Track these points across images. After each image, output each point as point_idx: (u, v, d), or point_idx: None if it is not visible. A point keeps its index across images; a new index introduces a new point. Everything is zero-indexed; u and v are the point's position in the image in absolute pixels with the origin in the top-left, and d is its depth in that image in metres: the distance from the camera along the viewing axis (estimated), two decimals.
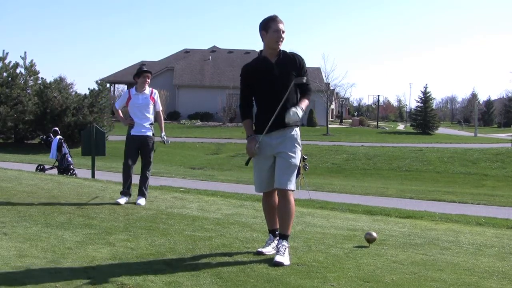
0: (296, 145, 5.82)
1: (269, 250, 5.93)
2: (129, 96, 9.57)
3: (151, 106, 9.57)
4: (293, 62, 5.81)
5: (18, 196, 9.51)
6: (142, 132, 9.43)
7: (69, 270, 5.08)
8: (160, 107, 9.78)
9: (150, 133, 9.49)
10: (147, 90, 9.56)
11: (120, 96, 10.09)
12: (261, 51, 5.89)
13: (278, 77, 5.70)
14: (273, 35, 5.66)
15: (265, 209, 6.11)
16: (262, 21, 5.75)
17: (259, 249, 5.95)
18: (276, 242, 5.93)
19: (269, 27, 5.66)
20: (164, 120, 10.09)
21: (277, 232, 6.02)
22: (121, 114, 9.83)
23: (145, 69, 9.60)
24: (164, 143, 9.68)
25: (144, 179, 9.48)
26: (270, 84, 5.72)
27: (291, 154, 5.76)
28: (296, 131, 5.87)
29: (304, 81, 5.78)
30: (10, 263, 5.20)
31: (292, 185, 5.80)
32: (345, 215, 9.35)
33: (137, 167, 9.63)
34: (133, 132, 9.48)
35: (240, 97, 5.98)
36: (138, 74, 9.55)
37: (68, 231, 6.77)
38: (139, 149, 9.51)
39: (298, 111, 5.64)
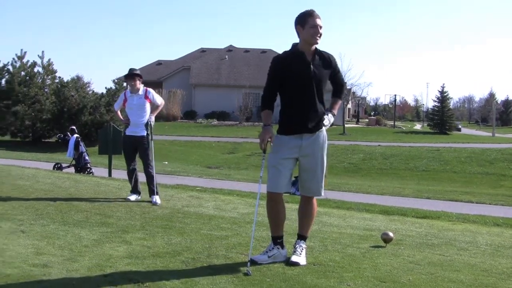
0: (325, 148, 5.68)
1: (264, 259, 5.56)
2: (125, 98, 9.71)
3: (147, 106, 9.65)
4: (328, 63, 5.62)
5: (36, 194, 9.58)
6: (135, 132, 9.57)
7: (86, 268, 5.10)
8: (159, 102, 9.86)
9: (144, 133, 9.56)
10: (141, 90, 9.61)
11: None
12: (295, 44, 5.64)
13: (314, 77, 5.50)
14: (310, 31, 5.43)
15: (271, 215, 5.69)
16: (298, 15, 5.53)
17: (254, 257, 5.55)
18: (275, 251, 5.62)
19: (306, 22, 5.44)
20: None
21: (278, 240, 5.68)
22: (119, 115, 10.04)
23: (135, 72, 9.59)
24: (148, 124, 9.60)
25: (149, 179, 9.51)
26: (304, 82, 5.50)
27: (319, 158, 5.62)
28: (325, 134, 5.72)
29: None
30: (28, 261, 5.23)
31: (322, 192, 5.72)
32: (361, 214, 9.32)
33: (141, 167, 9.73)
34: (127, 132, 9.68)
35: (265, 89, 5.68)
36: (126, 77, 9.69)
37: (85, 229, 6.81)
38: (135, 149, 9.64)
39: (331, 119, 5.68)
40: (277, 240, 5.69)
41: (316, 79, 5.52)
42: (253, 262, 5.39)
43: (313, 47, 5.56)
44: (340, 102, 5.94)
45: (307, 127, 5.55)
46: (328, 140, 5.75)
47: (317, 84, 5.54)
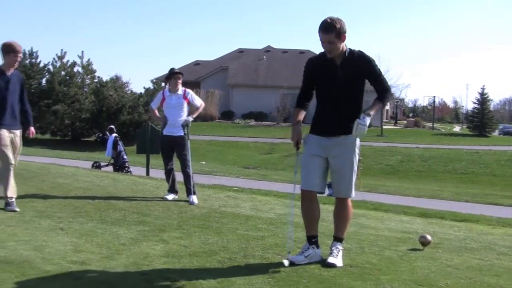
0: (355, 148, 5.57)
1: (301, 259, 5.53)
2: (163, 97, 9.76)
3: (185, 106, 9.68)
4: (358, 64, 5.48)
5: (75, 192, 9.70)
6: (173, 132, 9.58)
7: (123, 266, 5.15)
8: (198, 104, 9.90)
9: (181, 133, 9.59)
10: (180, 90, 9.65)
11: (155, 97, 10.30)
12: None
13: (342, 81, 5.44)
14: (321, 45, 5.43)
15: (305, 214, 5.72)
16: None
17: (291, 257, 5.50)
18: (311, 250, 5.61)
19: (319, 35, 5.39)
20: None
21: (313, 240, 5.68)
22: (157, 114, 10.18)
23: (176, 70, 9.65)
24: (185, 125, 9.59)
25: (187, 179, 9.52)
26: (332, 86, 5.48)
27: (348, 159, 5.56)
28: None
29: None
30: (66, 258, 5.31)
31: (352, 193, 5.67)
32: (399, 217, 9.24)
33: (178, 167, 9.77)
34: (165, 132, 9.71)
35: (301, 87, 5.77)
36: (169, 77, 9.69)
37: (122, 227, 6.87)
38: (173, 148, 9.67)
39: (365, 122, 5.36)
40: (312, 239, 5.68)
41: (344, 81, 5.46)
42: (289, 263, 5.38)
43: (345, 49, 5.49)
44: (379, 104, 5.66)
45: (332, 129, 5.53)
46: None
47: (345, 87, 5.48)
